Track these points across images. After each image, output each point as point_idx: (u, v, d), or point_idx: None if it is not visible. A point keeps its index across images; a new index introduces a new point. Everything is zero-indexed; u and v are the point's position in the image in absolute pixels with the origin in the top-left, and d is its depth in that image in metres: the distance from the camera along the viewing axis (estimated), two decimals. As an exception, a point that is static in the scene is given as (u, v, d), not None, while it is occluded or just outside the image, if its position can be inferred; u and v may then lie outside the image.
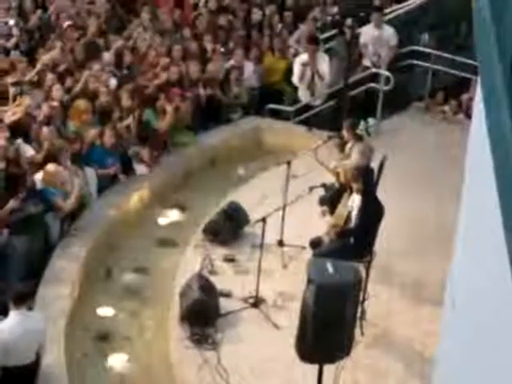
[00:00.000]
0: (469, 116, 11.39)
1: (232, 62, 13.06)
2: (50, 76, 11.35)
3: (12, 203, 9.00)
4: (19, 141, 10.06)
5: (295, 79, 12.50)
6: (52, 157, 9.91)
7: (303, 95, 12.65)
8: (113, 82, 11.86)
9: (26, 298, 7.26)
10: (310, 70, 12.29)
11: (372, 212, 8.39)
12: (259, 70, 13.38)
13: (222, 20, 14.04)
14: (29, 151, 10.10)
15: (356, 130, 10.08)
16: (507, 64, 2.84)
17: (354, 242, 8.42)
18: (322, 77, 12.35)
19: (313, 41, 12.46)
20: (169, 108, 11.56)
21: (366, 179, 8.55)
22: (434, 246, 9.23)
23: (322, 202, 9.40)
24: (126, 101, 11.42)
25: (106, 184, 10.69)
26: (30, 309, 7.38)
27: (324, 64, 12.41)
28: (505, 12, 3.16)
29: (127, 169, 11.07)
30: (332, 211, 9.01)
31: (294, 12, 14.48)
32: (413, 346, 8.18)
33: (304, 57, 12.39)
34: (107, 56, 12.38)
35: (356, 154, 9.25)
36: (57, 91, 11.05)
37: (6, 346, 7.01)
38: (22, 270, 8.92)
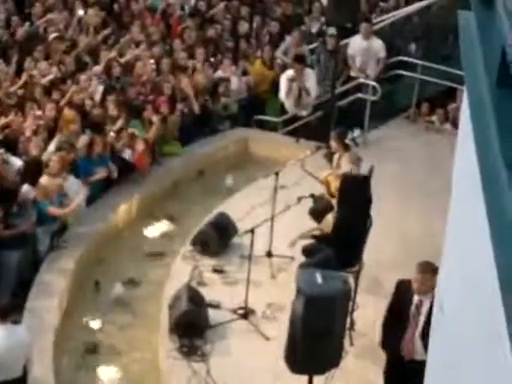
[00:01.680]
0: (456, 126, 11.44)
1: (220, 73, 13.09)
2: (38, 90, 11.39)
3: None
4: (8, 155, 10.02)
5: (282, 95, 12.49)
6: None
7: (290, 109, 12.68)
8: (99, 90, 11.88)
9: (10, 312, 7.21)
10: (297, 86, 12.31)
11: (350, 222, 8.35)
12: (247, 81, 13.42)
13: (210, 32, 14.11)
14: (17, 163, 10.06)
15: (344, 139, 10.09)
16: (493, 76, 2.86)
17: (335, 251, 8.39)
18: (308, 92, 12.38)
19: (300, 60, 12.47)
20: (155, 118, 11.56)
21: (348, 189, 8.50)
22: (422, 257, 9.23)
23: (313, 213, 9.39)
24: (112, 111, 11.43)
25: (97, 191, 10.67)
26: (16, 322, 7.31)
27: (311, 79, 12.42)
28: (491, 23, 3.18)
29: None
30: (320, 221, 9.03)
31: (281, 22, 14.54)
32: (402, 356, 8.17)
33: (290, 72, 12.40)
34: (97, 68, 12.44)
35: (348, 163, 9.28)
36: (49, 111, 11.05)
37: None
38: (12, 284, 8.89)
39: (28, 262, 9.24)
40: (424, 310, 6.77)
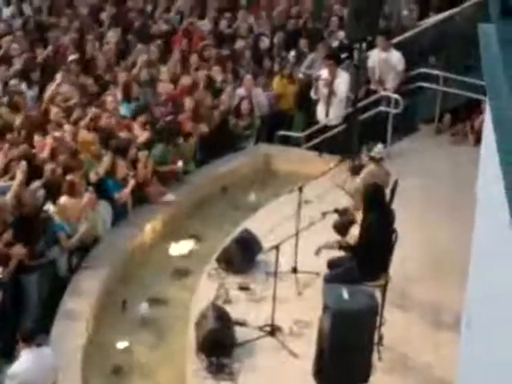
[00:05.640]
0: (480, 137, 11.36)
1: (242, 90, 13.09)
2: (55, 110, 11.41)
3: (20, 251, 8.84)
4: (36, 183, 9.86)
5: (312, 93, 12.56)
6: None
7: (320, 111, 12.64)
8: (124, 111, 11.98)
9: (35, 336, 7.19)
10: (326, 86, 12.32)
11: (374, 233, 8.24)
12: (269, 97, 13.43)
13: (230, 48, 14.19)
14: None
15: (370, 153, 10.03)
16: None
17: (358, 262, 8.28)
18: (335, 93, 12.36)
19: (331, 56, 12.52)
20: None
21: (370, 199, 8.43)
22: (450, 270, 9.18)
23: (337, 226, 9.34)
24: (138, 131, 11.47)
25: (121, 210, 10.70)
26: (40, 345, 7.30)
27: (341, 81, 12.40)
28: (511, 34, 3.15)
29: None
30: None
31: (307, 37, 14.59)
32: (431, 371, 8.08)
33: (323, 71, 12.46)
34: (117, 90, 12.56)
35: (364, 173, 9.29)
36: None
37: None
38: (35, 307, 8.88)
39: (49, 284, 9.22)
40: None
